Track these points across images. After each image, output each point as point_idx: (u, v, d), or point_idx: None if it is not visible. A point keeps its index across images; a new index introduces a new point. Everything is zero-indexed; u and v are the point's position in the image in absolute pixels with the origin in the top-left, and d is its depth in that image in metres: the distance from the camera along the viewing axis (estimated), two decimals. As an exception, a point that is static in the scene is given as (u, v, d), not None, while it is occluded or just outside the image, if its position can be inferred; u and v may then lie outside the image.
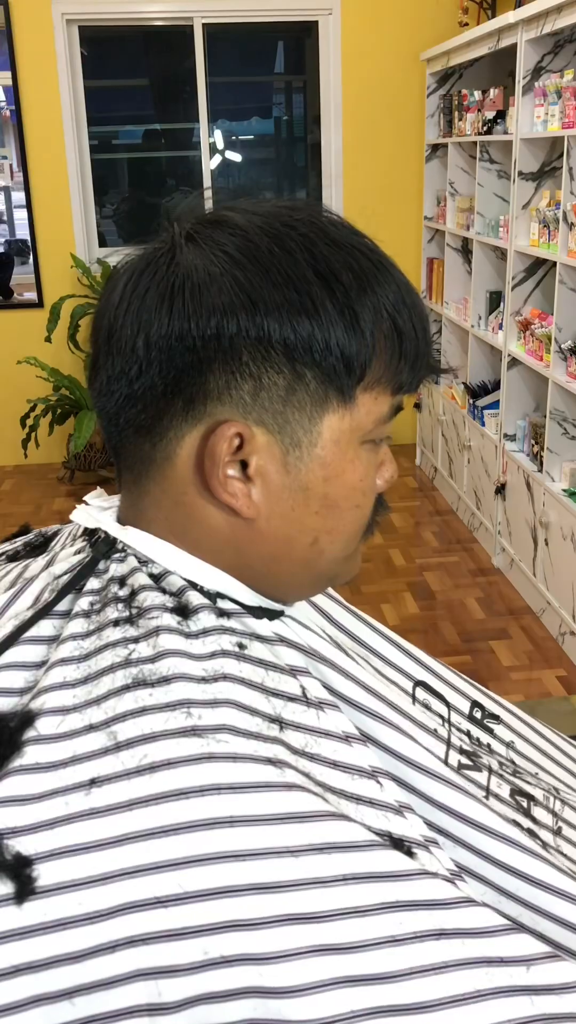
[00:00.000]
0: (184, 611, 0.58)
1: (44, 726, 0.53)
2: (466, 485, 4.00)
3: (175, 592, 0.59)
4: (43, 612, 0.60)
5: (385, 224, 4.55)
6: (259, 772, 0.52)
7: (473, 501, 3.91)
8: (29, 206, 4.58)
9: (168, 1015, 0.47)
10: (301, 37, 4.71)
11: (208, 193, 0.63)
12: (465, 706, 0.81)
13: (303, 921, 0.49)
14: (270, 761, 0.53)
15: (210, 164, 4.75)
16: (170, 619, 0.57)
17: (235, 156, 5.03)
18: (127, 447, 0.61)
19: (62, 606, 0.60)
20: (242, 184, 4.99)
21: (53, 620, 0.60)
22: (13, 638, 0.59)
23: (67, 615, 0.60)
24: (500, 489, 3.51)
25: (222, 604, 0.61)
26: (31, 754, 0.52)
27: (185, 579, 0.60)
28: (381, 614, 3.22)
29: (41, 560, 0.67)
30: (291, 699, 0.59)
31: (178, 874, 0.48)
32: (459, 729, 0.78)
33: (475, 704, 0.83)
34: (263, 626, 0.62)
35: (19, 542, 0.76)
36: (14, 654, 0.58)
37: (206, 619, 0.59)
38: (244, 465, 0.58)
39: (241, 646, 0.59)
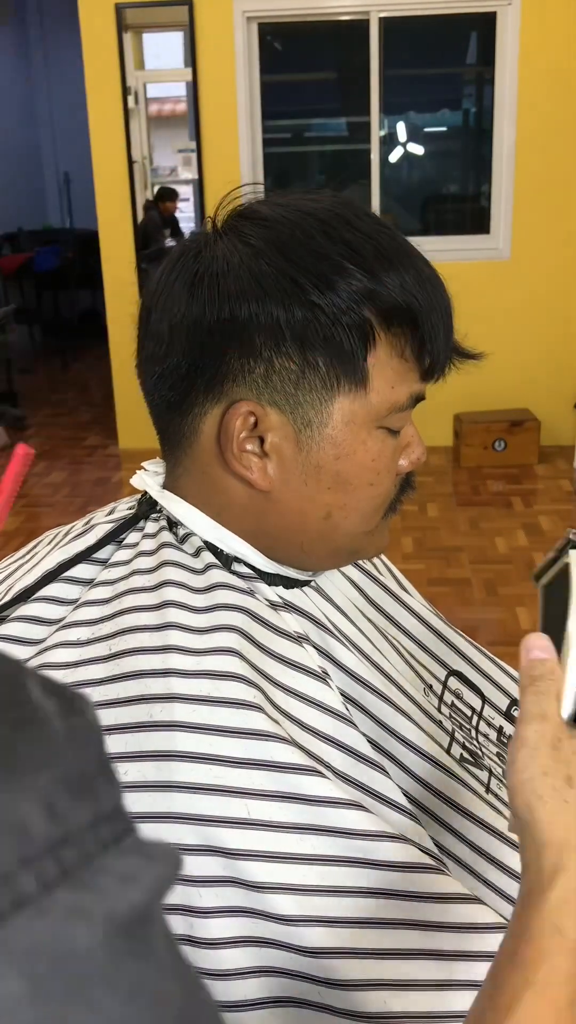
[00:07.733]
0: (193, 569, 0.65)
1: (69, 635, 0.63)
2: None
3: (192, 553, 0.66)
4: (83, 555, 0.68)
5: (558, 219, 4.45)
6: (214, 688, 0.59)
7: (625, 509, 3.77)
8: (201, 198, 4.74)
9: None
10: (494, 28, 4.60)
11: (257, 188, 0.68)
12: (503, 703, 0.82)
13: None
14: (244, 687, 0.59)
15: (389, 157, 4.77)
16: (178, 574, 0.64)
17: (417, 149, 5.02)
18: (164, 422, 0.67)
19: (102, 554, 0.68)
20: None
21: (93, 566, 0.68)
22: (54, 575, 0.67)
23: (105, 563, 0.67)
24: None
25: (237, 567, 0.66)
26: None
27: (205, 541, 0.66)
28: (515, 617, 3.17)
29: (105, 511, 0.75)
30: (276, 657, 0.64)
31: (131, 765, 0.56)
32: (489, 724, 0.79)
33: (515, 702, 0.83)
34: (271, 591, 0.67)
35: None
36: (53, 589, 0.67)
37: (212, 577, 0.64)
38: (262, 441, 0.63)
39: (238, 606, 0.64)
